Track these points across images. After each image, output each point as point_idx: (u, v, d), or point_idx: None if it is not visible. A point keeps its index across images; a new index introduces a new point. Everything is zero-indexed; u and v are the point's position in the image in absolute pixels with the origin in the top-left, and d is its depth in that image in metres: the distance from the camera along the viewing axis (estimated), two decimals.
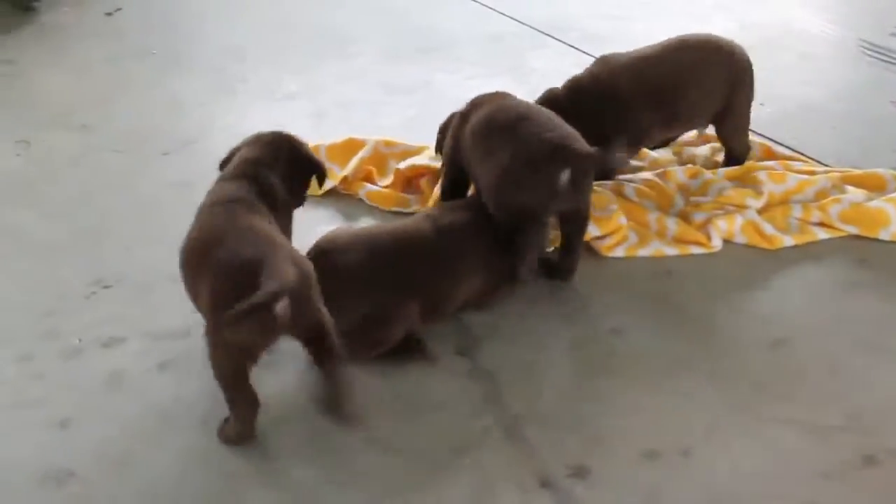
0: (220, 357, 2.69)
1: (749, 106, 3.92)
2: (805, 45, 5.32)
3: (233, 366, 2.70)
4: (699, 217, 3.70)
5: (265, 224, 2.82)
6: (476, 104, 3.50)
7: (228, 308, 2.47)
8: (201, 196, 3.94)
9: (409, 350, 3.10)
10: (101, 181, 4.17)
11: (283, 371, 3.04)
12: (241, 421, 2.79)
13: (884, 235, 3.61)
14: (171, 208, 3.90)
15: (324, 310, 2.73)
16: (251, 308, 2.46)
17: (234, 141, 4.39)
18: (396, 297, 3.05)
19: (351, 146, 4.19)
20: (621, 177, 3.89)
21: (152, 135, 4.55)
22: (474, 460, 2.74)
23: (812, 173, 3.93)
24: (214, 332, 2.66)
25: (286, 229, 3.05)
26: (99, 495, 2.69)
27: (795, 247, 3.59)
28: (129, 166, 4.30)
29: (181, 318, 3.26)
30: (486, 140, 3.31)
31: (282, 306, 2.53)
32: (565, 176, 3.14)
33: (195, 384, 3.01)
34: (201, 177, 4.08)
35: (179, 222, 3.66)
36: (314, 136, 4.42)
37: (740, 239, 3.63)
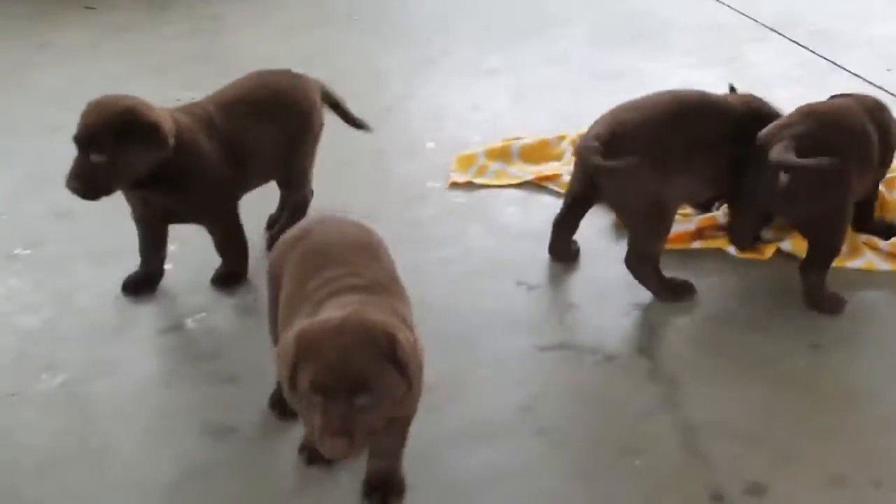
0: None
1: (312, 150, 3.64)
2: None
3: None
4: None
5: None
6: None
7: None
8: (390, 164, 4.08)
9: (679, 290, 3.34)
10: None
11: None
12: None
13: None
14: (359, 173, 4.09)
15: None
16: None
17: (431, 114, 4.56)
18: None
19: (544, 146, 4.22)
20: None
21: (347, 100, 4.67)
22: (645, 464, 2.71)
23: None
24: None
25: None
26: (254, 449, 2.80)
27: None
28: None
29: None
30: None
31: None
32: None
33: None
34: (392, 145, 4.24)
35: (368, 188, 3.74)
36: (511, 115, 4.51)
37: None
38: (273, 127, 3.44)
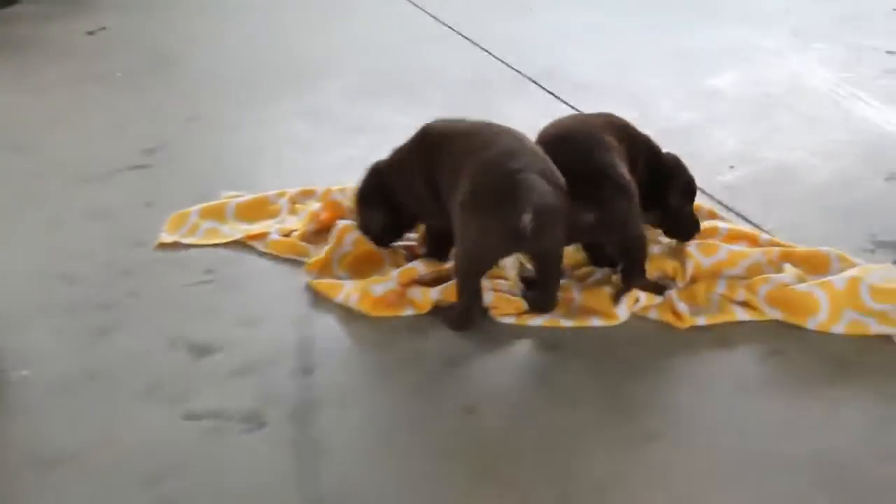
0: (467, 251, 3.23)
1: None
2: (811, 107, 5.03)
3: (473, 264, 3.26)
4: (608, 290, 3.46)
5: None
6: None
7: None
8: (112, 229, 3.94)
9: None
10: (8, 203, 4.14)
11: None
12: (461, 312, 3.30)
13: (810, 324, 3.27)
14: (73, 239, 3.92)
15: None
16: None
17: (163, 174, 4.41)
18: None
19: (261, 203, 4.06)
20: None
21: (80, 161, 4.51)
22: None
23: (755, 242, 3.68)
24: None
25: None
26: None
27: (708, 328, 3.29)
28: (43, 191, 4.26)
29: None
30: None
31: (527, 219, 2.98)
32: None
33: None
34: (118, 209, 4.09)
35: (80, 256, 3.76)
36: (247, 171, 4.38)
37: (653, 314, 3.37)
38: None
